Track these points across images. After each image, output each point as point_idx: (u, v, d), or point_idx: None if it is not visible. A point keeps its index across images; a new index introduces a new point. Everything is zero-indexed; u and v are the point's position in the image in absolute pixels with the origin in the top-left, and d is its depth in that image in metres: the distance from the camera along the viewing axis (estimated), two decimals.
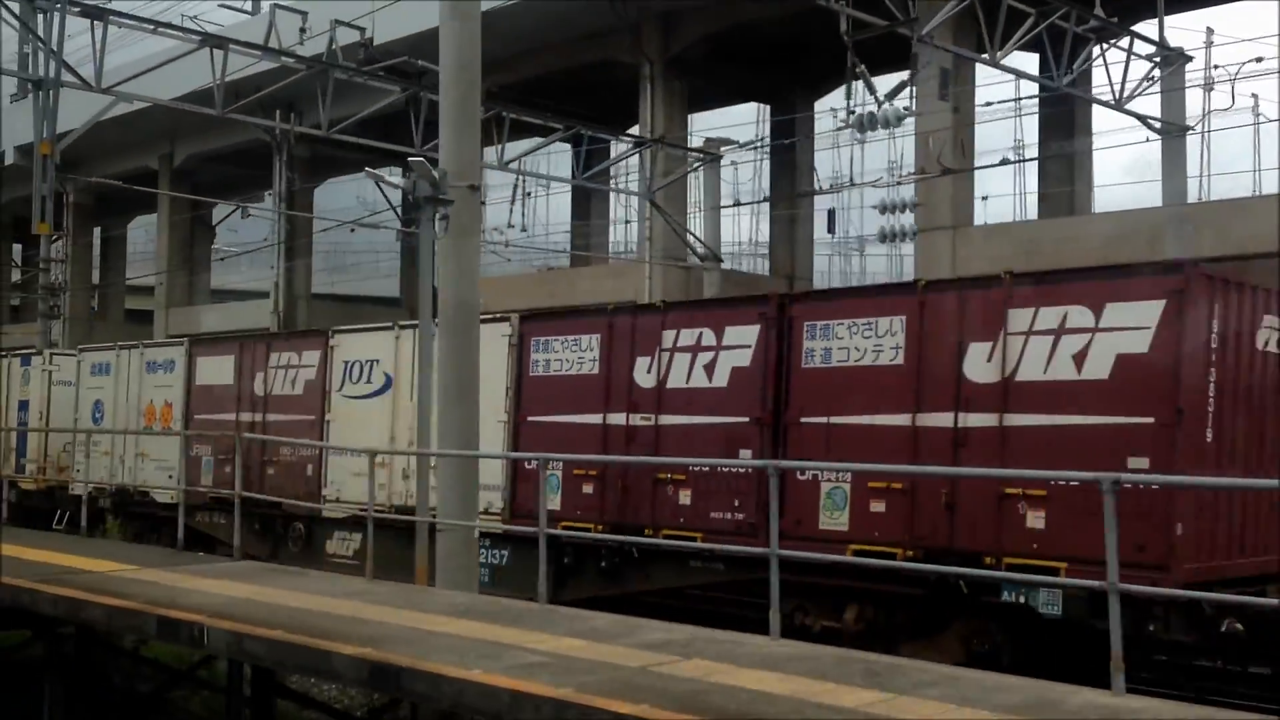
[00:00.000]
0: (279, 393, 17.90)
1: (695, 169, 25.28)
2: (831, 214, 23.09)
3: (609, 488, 13.35)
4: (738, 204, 27.65)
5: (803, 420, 11.93)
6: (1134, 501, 9.43)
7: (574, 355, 14.12)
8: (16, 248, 57.73)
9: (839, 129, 18.22)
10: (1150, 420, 9.93)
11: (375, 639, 7.22)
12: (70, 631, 10.40)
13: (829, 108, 27.74)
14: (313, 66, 19.15)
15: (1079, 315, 10.39)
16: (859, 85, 15.98)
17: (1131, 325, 10.14)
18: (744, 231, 45.08)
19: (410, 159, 10.25)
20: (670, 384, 13.05)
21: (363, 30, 19.89)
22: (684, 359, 13.00)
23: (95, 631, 10.41)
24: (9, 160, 47.07)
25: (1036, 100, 28.17)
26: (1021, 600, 10.33)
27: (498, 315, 15.22)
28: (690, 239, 25.64)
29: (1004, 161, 20.77)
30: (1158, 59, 17.87)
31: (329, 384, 17.00)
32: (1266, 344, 10.93)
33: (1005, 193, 39.39)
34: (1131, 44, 17.06)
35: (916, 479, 10.83)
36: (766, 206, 34.20)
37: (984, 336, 10.86)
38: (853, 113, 15.77)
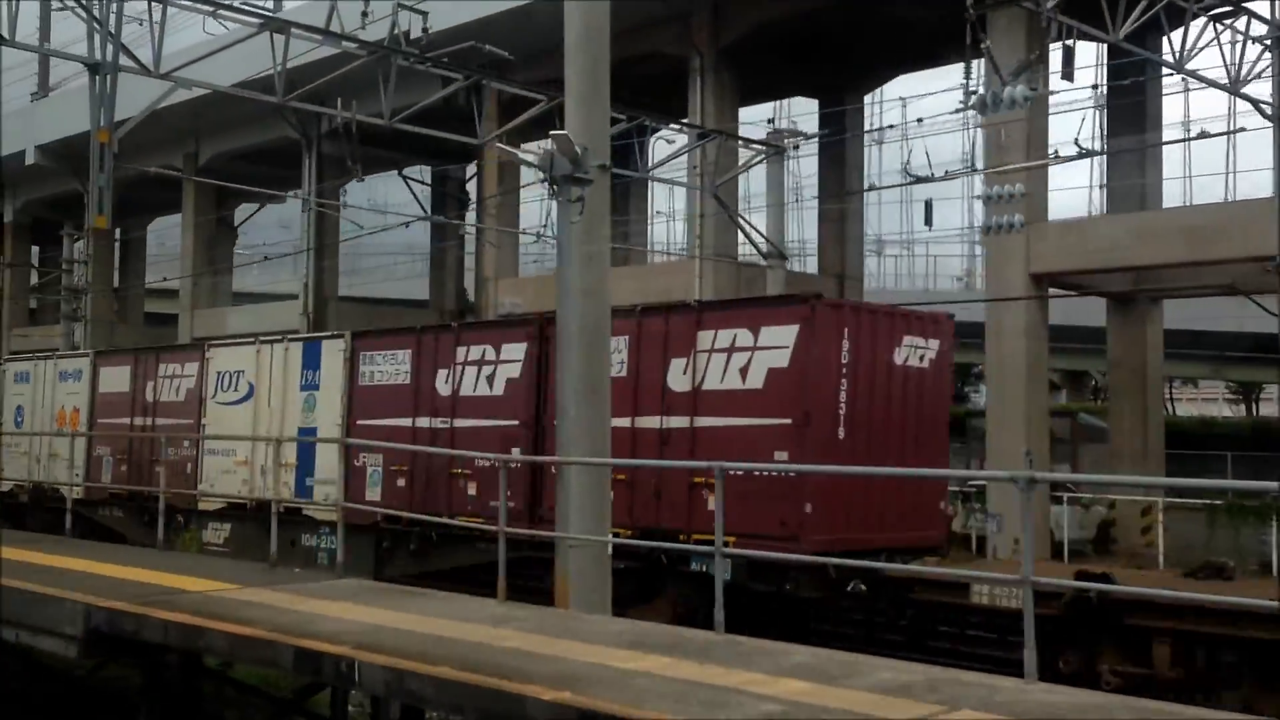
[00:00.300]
0: (165, 399, 20.22)
1: (759, 161, 24.28)
2: (929, 205, 22.08)
3: (416, 481, 15.74)
4: (798, 200, 26.61)
5: (557, 422, 13.38)
6: (775, 486, 11.87)
7: (391, 368, 16.59)
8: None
9: (956, 110, 17.16)
10: (789, 421, 12.33)
11: (564, 679, 6.24)
12: (174, 659, 9.44)
13: (896, 96, 26.73)
14: (375, 52, 18.18)
15: (744, 336, 12.81)
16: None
17: (777, 345, 12.53)
18: (789, 230, 44.02)
19: (552, 133, 9.27)
20: (462, 392, 15.57)
21: (425, 14, 18.92)
22: (473, 371, 15.47)
23: (192, 656, 9.44)
24: (29, 160, 46.23)
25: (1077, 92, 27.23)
26: (703, 569, 12.22)
27: (335, 334, 18.27)
28: (754, 236, 24.60)
29: (1084, 154, 19.76)
30: (1268, 41, 16.87)
31: (205, 392, 19.32)
32: (906, 359, 13.37)
33: (1060, 187, 38.34)
34: (1249, 25, 16.08)
35: (633, 472, 13.15)
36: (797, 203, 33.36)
37: (681, 353, 13.33)
38: (973, 92, 14.77)
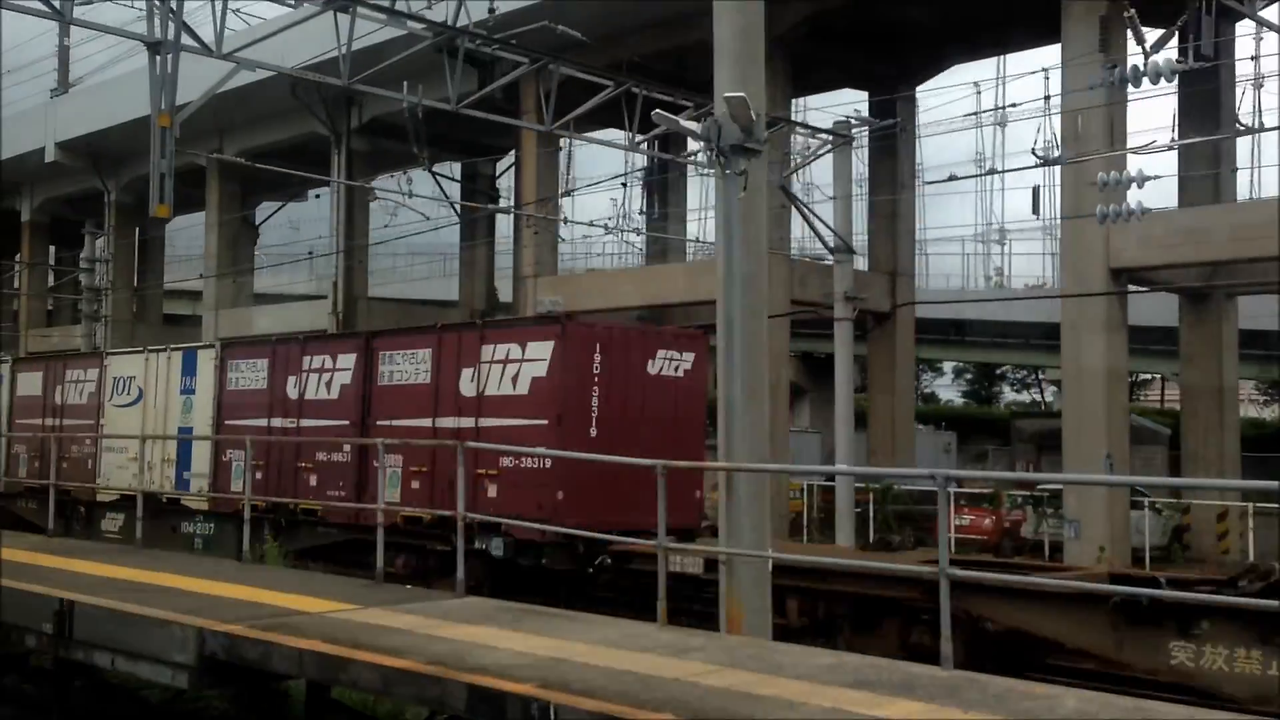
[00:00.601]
0: (72, 402, 22.28)
1: (826, 151, 23.28)
2: (1036, 191, 21.07)
3: (271, 473, 17.85)
4: (857, 192, 25.57)
5: (379, 423, 16.57)
6: (537, 477, 14.30)
7: (252, 374, 18.81)
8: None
9: (1098, 86, 16.12)
10: (546, 422, 14.50)
11: None
12: (284, 688, 8.46)
13: (970, 80, 25.78)
14: (441, 33, 17.18)
15: (515, 350, 15.12)
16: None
17: (538, 358, 14.85)
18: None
19: (727, 95, 8.26)
20: (308, 396, 17.84)
21: None
22: (315, 378, 17.81)
23: (322, 688, 8.44)
24: (50, 157, 45.24)
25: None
26: (484, 547, 14.45)
27: (207, 344, 20.90)
28: (822, 229, 23.60)
29: (1171, 145, 18.80)
30: None
31: (104, 396, 21.49)
32: (661, 370, 15.49)
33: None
34: None
35: (436, 466, 15.38)
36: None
37: (470, 364, 15.59)
38: (1114, 66, 13.77)
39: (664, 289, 31.21)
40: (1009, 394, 78.96)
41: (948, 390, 77.04)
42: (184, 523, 19.37)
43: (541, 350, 14.82)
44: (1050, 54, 27.24)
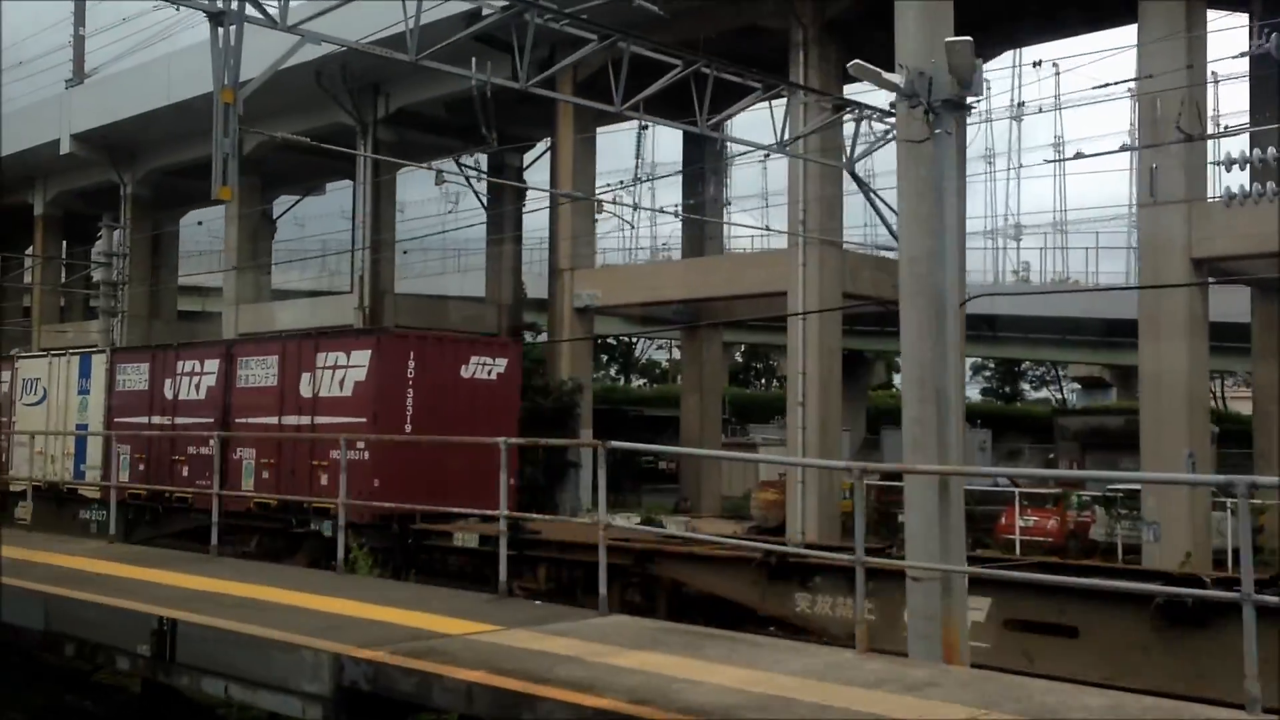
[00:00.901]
0: None
1: (893, 137, 22.17)
2: (1154, 172, 20.05)
3: (151, 465, 19.89)
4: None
5: (238, 420, 18.72)
6: (361, 467, 15.59)
7: (136, 377, 20.96)
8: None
9: (1244, 54, 15.13)
10: (365, 420, 16.34)
11: None
12: None
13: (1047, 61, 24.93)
14: (510, 7, 16.14)
15: (342, 358, 17.10)
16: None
17: (359, 365, 16.81)
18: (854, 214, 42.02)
19: (948, 41, 7.28)
20: (181, 396, 19.91)
21: None
22: (188, 380, 19.75)
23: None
24: (65, 149, 44.17)
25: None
26: (316, 528, 16.27)
27: (100, 349, 23.38)
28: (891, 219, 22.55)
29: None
30: None
31: (15, 395, 23.75)
32: (474, 374, 17.37)
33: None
34: None
35: (282, 457, 17.75)
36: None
37: (308, 369, 17.57)
38: (1265, 40, 12.78)
39: (708, 282, 30.21)
40: (1028, 392, 78.04)
41: (967, 387, 76.18)
42: (82, 510, 21.27)
43: (361, 358, 16.93)
44: (1119, 36, 26.28)
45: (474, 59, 16.69)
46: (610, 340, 59.50)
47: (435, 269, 57.94)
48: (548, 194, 26.33)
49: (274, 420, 18.05)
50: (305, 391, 17.60)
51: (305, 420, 17.44)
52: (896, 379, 79.13)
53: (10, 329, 50.53)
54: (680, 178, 36.75)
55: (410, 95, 36.44)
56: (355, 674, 6.73)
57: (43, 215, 49.00)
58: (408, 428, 16.48)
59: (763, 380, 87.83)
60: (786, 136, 22.47)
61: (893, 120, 22.75)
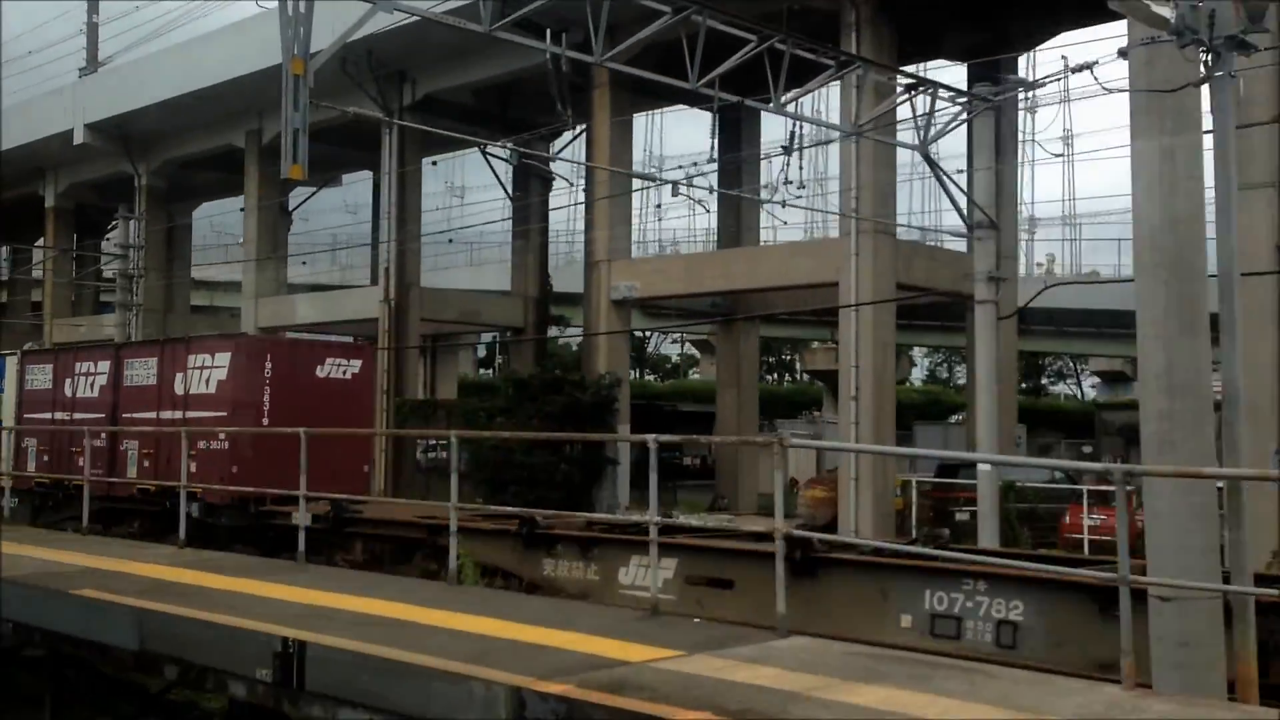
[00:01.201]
0: None
1: (965, 119, 21.29)
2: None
3: (54, 457, 21.56)
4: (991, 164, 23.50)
5: (124, 415, 20.23)
6: (220, 456, 17.74)
7: (42, 377, 22.87)
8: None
9: None
10: (226, 414, 18.08)
11: None
12: None
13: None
14: None
15: (208, 359, 18.77)
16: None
17: (222, 365, 18.51)
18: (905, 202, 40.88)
19: None
20: (79, 394, 21.62)
21: None
22: (85, 380, 21.52)
23: None
24: (78, 139, 43.16)
25: None
26: (190, 512, 16.24)
27: (12, 352, 25.05)
28: (962, 203, 21.65)
29: None
30: None
31: None
32: (330, 373, 19.04)
33: None
34: None
35: (159, 448, 19.14)
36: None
37: (182, 369, 19.16)
38: None
39: (753, 272, 29.20)
40: (1047, 386, 77.23)
41: None
42: None
43: (223, 359, 18.57)
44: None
45: (548, 31, 15.80)
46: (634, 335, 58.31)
47: (460, 261, 56.94)
48: (611, 172, 25.03)
49: (154, 415, 19.68)
50: (179, 389, 19.29)
51: (179, 415, 19.00)
52: (914, 374, 78.27)
53: (21, 323, 49.56)
54: (715, 165, 35.72)
55: (437, 82, 35.41)
56: (542, 711, 5.77)
57: (54, 207, 47.94)
58: (265, 422, 17.99)
59: (774, 375, 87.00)
60: (858, 118, 21.67)
61: (964, 100, 21.84)
